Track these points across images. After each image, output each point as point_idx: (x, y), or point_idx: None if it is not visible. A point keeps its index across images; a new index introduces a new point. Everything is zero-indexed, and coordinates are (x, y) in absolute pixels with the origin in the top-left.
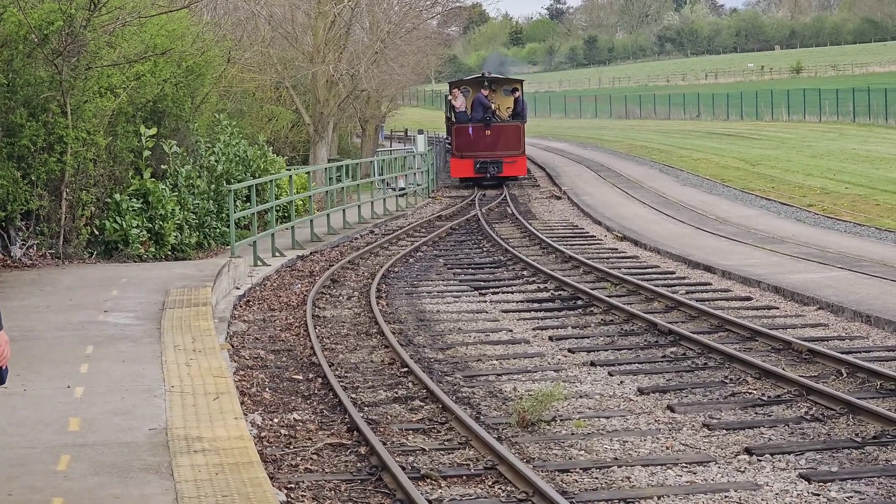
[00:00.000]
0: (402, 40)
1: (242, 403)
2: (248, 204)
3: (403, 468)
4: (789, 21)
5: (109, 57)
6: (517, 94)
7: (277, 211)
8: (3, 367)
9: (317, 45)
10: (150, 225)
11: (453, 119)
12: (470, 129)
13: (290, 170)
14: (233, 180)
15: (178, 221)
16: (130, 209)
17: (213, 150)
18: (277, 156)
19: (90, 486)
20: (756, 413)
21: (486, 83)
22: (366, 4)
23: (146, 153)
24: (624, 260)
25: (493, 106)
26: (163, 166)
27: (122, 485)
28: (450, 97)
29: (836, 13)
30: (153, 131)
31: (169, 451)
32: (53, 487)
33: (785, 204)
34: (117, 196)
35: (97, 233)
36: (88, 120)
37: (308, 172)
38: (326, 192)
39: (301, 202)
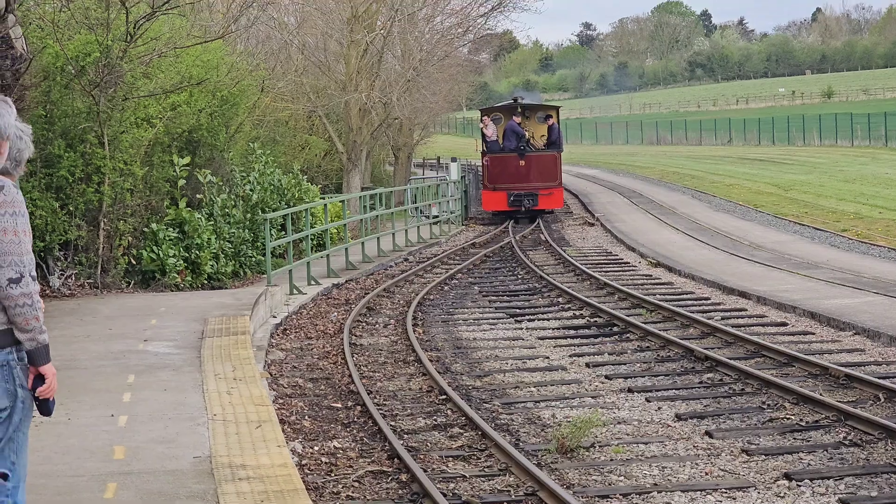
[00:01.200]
0: (435, 68)
1: (283, 431)
2: (283, 232)
3: (445, 495)
4: (820, 46)
5: (146, 87)
6: (551, 121)
7: (312, 239)
8: (51, 399)
9: (349, 74)
10: (187, 254)
11: (485, 148)
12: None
13: (324, 198)
14: (267, 209)
15: (215, 251)
16: (167, 239)
17: (248, 178)
18: (311, 184)
19: None
20: (794, 438)
21: (519, 110)
22: (398, 32)
23: (181, 182)
24: (658, 286)
25: (526, 134)
26: (198, 195)
27: None
28: (481, 125)
29: (867, 37)
30: (187, 160)
31: (214, 478)
32: None
33: (818, 229)
34: (154, 225)
35: (134, 262)
36: (125, 150)
37: (343, 201)
38: (361, 220)
39: (335, 230)
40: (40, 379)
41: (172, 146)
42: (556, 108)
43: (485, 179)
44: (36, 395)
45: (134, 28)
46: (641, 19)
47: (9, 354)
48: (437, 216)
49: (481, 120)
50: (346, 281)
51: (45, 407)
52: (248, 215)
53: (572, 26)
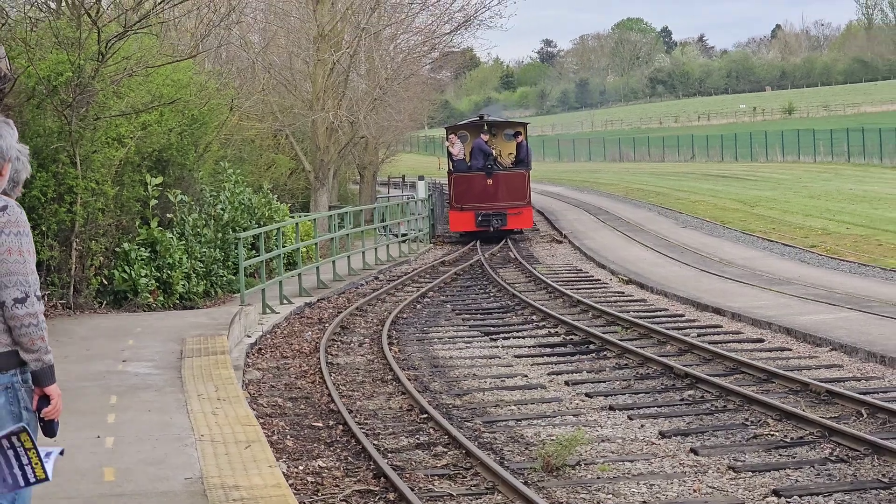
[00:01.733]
0: (401, 87)
1: None
2: (255, 251)
3: None
4: (780, 62)
5: (117, 107)
6: (520, 138)
7: (283, 258)
8: (55, 421)
9: (316, 93)
10: (159, 274)
11: (451, 167)
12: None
13: (293, 217)
14: (238, 228)
15: (186, 270)
16: (139, 258)
17: (218, 198)
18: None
19: None
20: (780, 455)
21: (486, 127)
22: (364, 51)
23: (153, 202)
24: (632, 303)
25: (493, 152)
26: (168, 215)
27: None
28: (447, 143)
29: (826, 54)
30: (159, 180)
31: (207, 500)
32: None
33: (787, 245)
34: (126, 245)
35: (106, 282)
36: (97, 170)
37: (314, 220)
38: (332, 238)
39: (305, 249)
40: (45, 400)
41: (143, 165)
42: (524, 125)
43: (451, 199)
44: (41, 416)
45: (105, 47)
46: (602, 36)
47: (13, 376)
48: (405, 234)
49: (447, 138)
50: (319, 300)
51: (50, 428)
52: (220, 234)
53: (533, 43)
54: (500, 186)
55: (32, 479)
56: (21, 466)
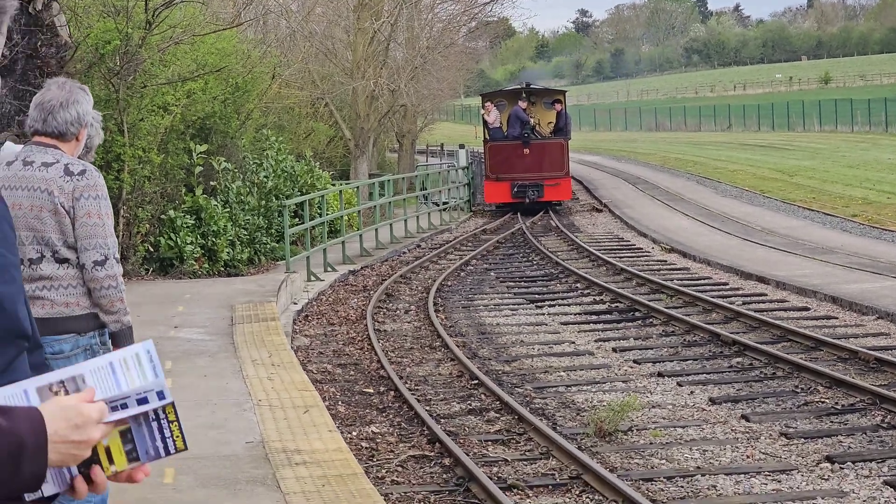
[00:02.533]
0: (441, 55)
1: None
2: (297, 219)
3: (490, 478)
4: (816, 31)
5: (163, 75)
6: (559, 106)
7: (326, 226)
8: None
9: (356, 61)
10: (204, 241)
11: (487, 136)
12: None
13: (334, 185)
14: (281, 196)
15: (231, 237)
16: (184, 226)
17: (261, 166)
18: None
19: (201, 499)
20: (832, 422)
21: (524, 95)
22: (405, 20)
23: (197, 169)
24: (675, 272)
25: (531, 121)
26: (212, 183)
27: (232, 497)
28: (482, 111)
29: (863, 23)
30: (204, 148)
31: (270, 463)
32: (166, 500)
33: (829, 214)
34: (171, 213)
35: (152, 249)
36: (144, 137)
37: (357, 187)
38: (375, 206)
39: (347, 217)
40: None
41: (186, 133)
42: (564, 93)
43: (487, 169)
44: None
45: (153, 16)
46: (637, 6)
47: (92, 338)
48: (446, 202)
49: (483, 105)
50: (362, 267)
51: None
52: (263, 202)
53: (568, 13)
54: (537, 156)
55: (172, 450)
56: (163, 439)
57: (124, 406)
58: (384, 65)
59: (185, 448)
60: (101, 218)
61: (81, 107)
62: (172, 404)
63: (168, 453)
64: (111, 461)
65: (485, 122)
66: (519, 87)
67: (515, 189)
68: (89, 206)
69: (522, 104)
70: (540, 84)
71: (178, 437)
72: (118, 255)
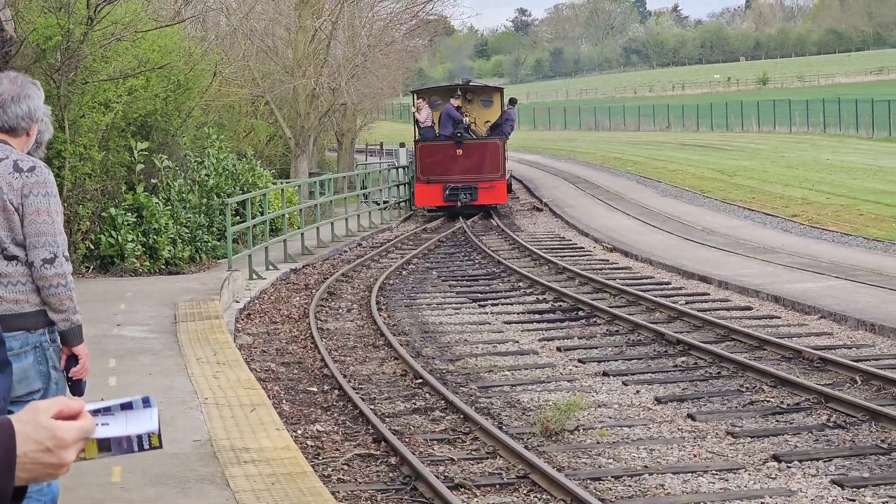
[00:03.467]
0: (382, 53)
1: None
2: (238, 217)
3: (437, 477)
4: (754, 32)
5: (105, 71)
6: (500, 104)
7: (267, 224)
8: (83, 380)
9: (297, 60)
10: (145, 239)
11: (418, 136)
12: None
13: (276, 183)
14: (223, 194)
15: (172, 235)
16: (125, 223)
17: (203, 164)
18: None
19: (150, 497)
20: (777, 420)
21: (459, 92)
22: (346, 18)
23: (139, 167)
24: (617, 271)
25: (465, 119)
26: (153, 180)
27: (182, 495)
28: (413, 109)
29: (801, 24)
30: (145, 145)
31: (218, 461)
32: (114, 499)
33: (769, 214)
34: (112, 210)
35: (93, 247)
36: (85, 134)
37: (298, 186)
38: (316, 205)
39: (289, 216)
40: (73, 359)
41: (128, 131)
42: (502, 90)
43: (417, 171)
44: (69, 375)
45: (94, 12)
46: (576, 5)
47: (41, 336)
48: (386, 201)
49: (414, 103)
50: (304, 266)
51: (78, 388)
52: (204, 200)
53: (507, 12)
54: (471, 157)
55: (147, 447)
56: (139, 435)
57: (107, 410)
58: (325, 63)
59: (161, 446)
60: (51, 215)
61: (33, 101)
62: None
63: (142, 449)
64: (82, 449)
65: (416, 121)
66: (453, 84)
67: (447, 192)
68: (38, 203)
69: (455, 102)
70: (479, 82)
71: (153, 435)
72: (67, 254)
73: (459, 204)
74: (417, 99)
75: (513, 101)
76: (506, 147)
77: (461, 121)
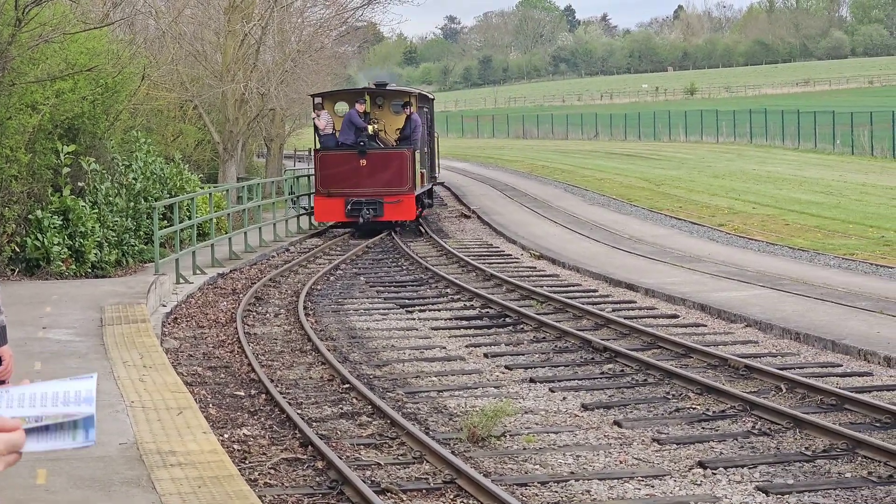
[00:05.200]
0: (311, 59)
1: None
2: (166, 222)
3: (363, 482)
4: (682, 43)
5: (33, 73)
6: (409, 110)
7: (195, 229)
8: (7, 382)
9: (226, 64)
10: (71, 242)
11: (317, 144)
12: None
13: (203, 188)
14: (150, 198)
15: (98, 239)
16: (52, 226)
17: (130, 167)
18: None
19: (76, 500)
20: (703, 428)
21: (367, 96)
22: (276, 23)
23: (66, 170)
24: (545, 278)
25: (371, 126)
26: (79, 183)
27: (107, 498)
28: (313, 116)
29: (728, 35)
30: (72, 148)
31: (145, 465)
32: (38, 501)
33: (695, 223)
34: (39, 213)
35: (18, 250)
36: (11, 136)
37: (227, 190)
38: (245, 210)
39: (217, 220)
40: None
41: (55, 133)
42: (414, 94)
43: (317, 183)
44: None
45: (23, 13)
46: (506, 14)
47: None
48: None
49: (314, 107)
50: (231, 270)
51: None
52: (131, 204)
53: (437, 19)
54: (375, 168)
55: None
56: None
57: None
58: (254, 68)
59: (92, 443)
60: None
61: None
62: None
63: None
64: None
65: (316, 128)
66: (363, 87)
67: (350, 207)
68: None
69: (360, 107)
70: (395, 84)
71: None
72: None
73: (362, 220)
74: (316, 102)
75: (425, 99)
76: (417, 158)
77: (364, 128)
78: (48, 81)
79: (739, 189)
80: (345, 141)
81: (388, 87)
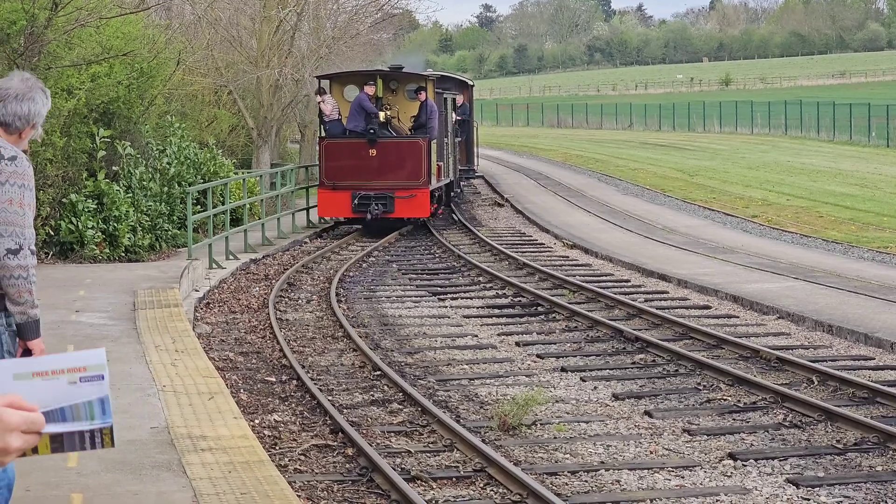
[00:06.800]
0: (346, 45)
1: None
2: (199, 206)
3: (393, 469)
4: (717, 33)
5: (68, 57)
6: (422, 95)
7: (228, 214)
8: None
9: (261, 50)
10: (105, 226)
11: (323, 132)
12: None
13: (236, 173)
14: (184, 183)
15: (132, 223)
16: (86, 210)
17: (164, 152)
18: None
19: (106, 483)
20: (734, 419)
21: (379, 79)
22: (312, 10)
23: (101, 154)
24: (577, 268)
25: (382, 112)
26: (114, 168)
27: (137, 482)
28: (318, 100)
29: (764, 26)
30: (108, 132)
31: (175, 449)
32: (69, 483)
33: (729, 214)
34: (73, 197)
35: (52, 233)
36: (46, 120)
37: (260, 176)
38: (278, 195)
39: (250, 206)
40: (27, 354)
41: (90, 117)
42: (427, 78)
43: (321, 174)
44: None
45: None
46: (541, 2)
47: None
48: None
49: (318, 91)
50: (264, 256)
51: None
52: (165, 188)
53: (472, 7)
54: (386, 159)
55: (99, 446)
56: (92, 436)
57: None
58: (289, 54)
59: (113, 445)
60: (23, 207)
61: (35, 106)
62: (111, 430)
63: (94, 447)
64: (34, 450)
65: (320, 113)
66: (375, 69)
67: (357, 201)
68: (13, 193)
69: (370, 90)
70: (419, 69)
71: (107, 434)
72: (34, 248)
73: (370, 216)
74: (321, 85)
75: (463, 85)
76: (433, 148)
77: (375, 114)
78: (84, 66)
79: (773, 181)
80: (353, 128)
81: (408, 71)
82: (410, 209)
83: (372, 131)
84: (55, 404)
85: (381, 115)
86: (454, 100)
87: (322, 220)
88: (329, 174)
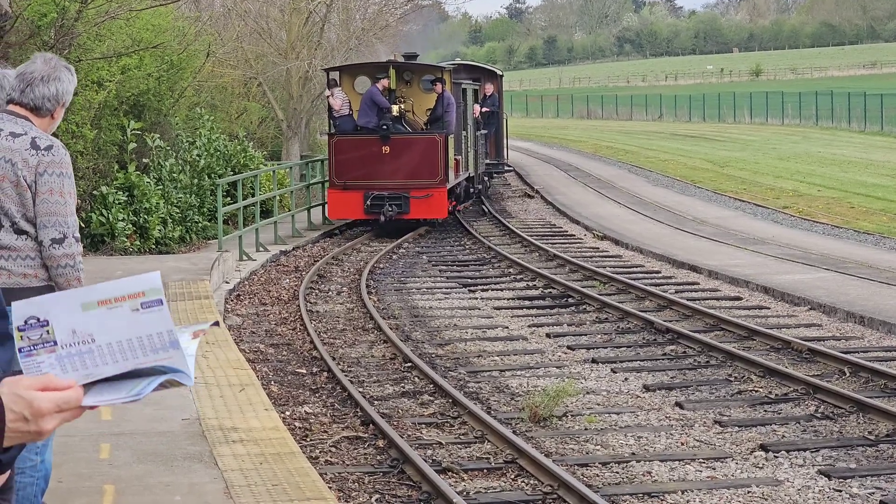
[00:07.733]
0: (376, 37)
1: None
2: (228, 198)
3: (424, 461)
4: (748, 24)
5: (99, 50)
6: (438, 87)
7: (258, 206)
8: None
9: (291, 42)
10: (136, 218)
11: (332, 128)
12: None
13: (266, 165)
14: (214, 175)
15: (163, 215)
16: (116, 202)
17: (194, 144)
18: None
19: (138, 474)
20: (765, 410)
21: (393, 70)
22: (341, 1)
23: (131, 146)
24: (608, 259)
25: (396, 106)
26: (144, 160)
27: (169, 473)
28: (327, 94)
29: (795, 17)
30: (139, 125)
31: (207, 440)
32: (102, 475)
33: (759, 205)
34: (104, 189)
35: (83, 225)
36: (77, 112)
37: (290, 168)
38: (308, 187)
39: (280, 197)
40: None
41: (120, 110)
42: (443, 70)
43: (331, 173)
44: None
45: None
46: None
47: None
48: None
49: (328, 84)
50: (294, 248)
51: None
52: (195, 180)
53: None
54: (401, 156)
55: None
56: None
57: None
58: (318, 46)
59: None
60: (64, 196)
61: (62, 85)
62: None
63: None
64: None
65: (330, 108)
66: (388, 60)
67: (369, 202)
68: (52, 182)
69: (383, 83)
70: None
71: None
72: (78, 235)
73: (384, 218)
74: (332, 80)
75: (492, 76)
76: (450, 144)
77: (388, 108)
78: (114, 58)
79: (804, 171)
80: (364, 124)
81: (423, 63)
82: (427, 210)
83: (385, 127)
84: (122, 336)
85: (395, 108)
86: (475, 91)
87: None
88: (339, 173)
